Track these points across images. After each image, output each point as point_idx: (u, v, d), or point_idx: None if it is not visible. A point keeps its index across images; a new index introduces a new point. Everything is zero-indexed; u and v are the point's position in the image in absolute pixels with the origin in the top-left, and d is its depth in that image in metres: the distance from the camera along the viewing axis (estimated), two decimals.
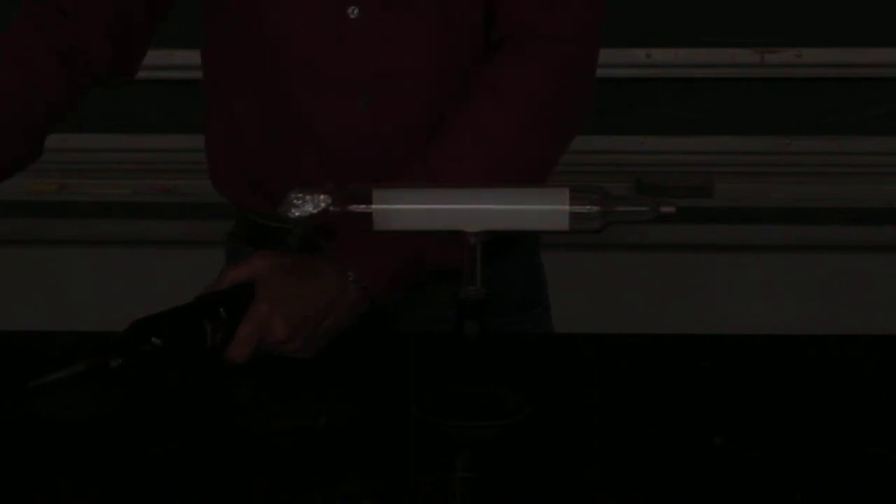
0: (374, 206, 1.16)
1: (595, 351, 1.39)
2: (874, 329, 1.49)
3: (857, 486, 1.05)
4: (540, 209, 1.15)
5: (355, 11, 1.35)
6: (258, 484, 1.04)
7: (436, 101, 1.39)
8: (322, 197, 1.17)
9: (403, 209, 1.16)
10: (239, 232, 1.53)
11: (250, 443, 1.13)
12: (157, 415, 1.19)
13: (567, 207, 1.14)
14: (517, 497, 1.03)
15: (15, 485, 1.04)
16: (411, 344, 1.33)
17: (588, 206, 1.14)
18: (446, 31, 1.38)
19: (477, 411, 1.16)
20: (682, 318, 2.35)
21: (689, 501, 1.03)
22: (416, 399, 1.18)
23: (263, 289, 1.25)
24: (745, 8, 2.35)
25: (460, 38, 1.39)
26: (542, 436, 1.14)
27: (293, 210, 1.17)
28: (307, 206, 1.17)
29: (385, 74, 1.37)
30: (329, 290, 1.28)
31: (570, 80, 1.40)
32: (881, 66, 2.35)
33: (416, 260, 1.33)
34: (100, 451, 1.11)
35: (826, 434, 1.15)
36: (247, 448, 1.12)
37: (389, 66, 1.37)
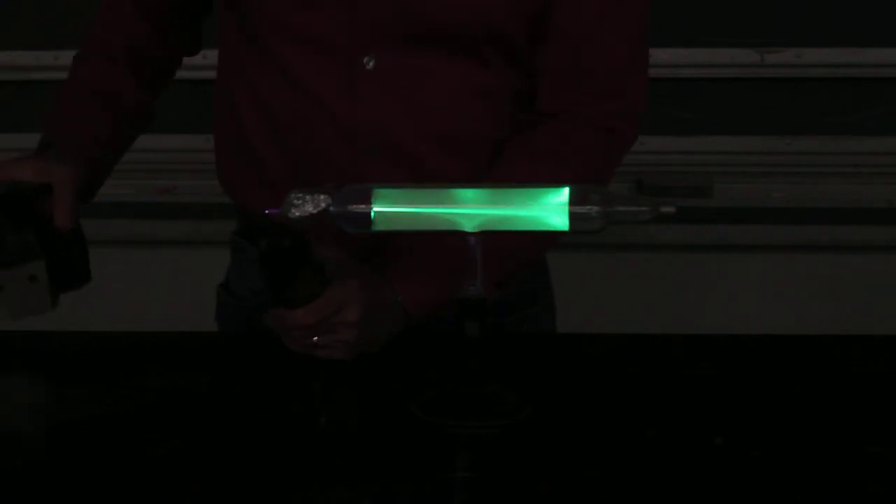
0: (374, 207, 1.16)
1: (595, 351, 1.39)
2: (874, 329, 1.49)
3: (857, 485, 1.05)
4: (540, 209, 1.15)
5: (371, 63, 1.36)
6: (258, 484, 1.04)
7: (444, 162, 1.39)
8: (322, 197, 1.17)
9: (403, 209, 1.16)
10: (243, 231, 1.54)
11: (250, 443, 1.13)
12: (157, 415, 1.19)
13: (567, 207, 1.14)
14: (517, 497, 1.03)
15: (15, 485, 1.04)
16: (411, 344, 1.33)
17: (588, 206, 1.14)
18: (462, 96, 1.38)
19: (477, 411, 1.16)
20: (682, 318, 2.35)
21: (689, 501, 1.03)
22: (416, 399, 1.18)
23: (350, 273, 1.28)
24: (745, 8, 2.35)
25: (479, 106, 1.39)
26: (542, 436, 1.14)
27: (293, 210, 1.17)
28: (307, 206, 1.17)
29: (393, 128, 1.37)
30: (391, 303, 1.31)
31: (621, 155, 1.43)
32: (881, 66, 2.36)
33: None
34: (100, 451, 1.11)
35: (826, 434, 1.15)
36: (247, 448, 1.12)
37: (398, 120, 1.37)
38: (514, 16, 1.35)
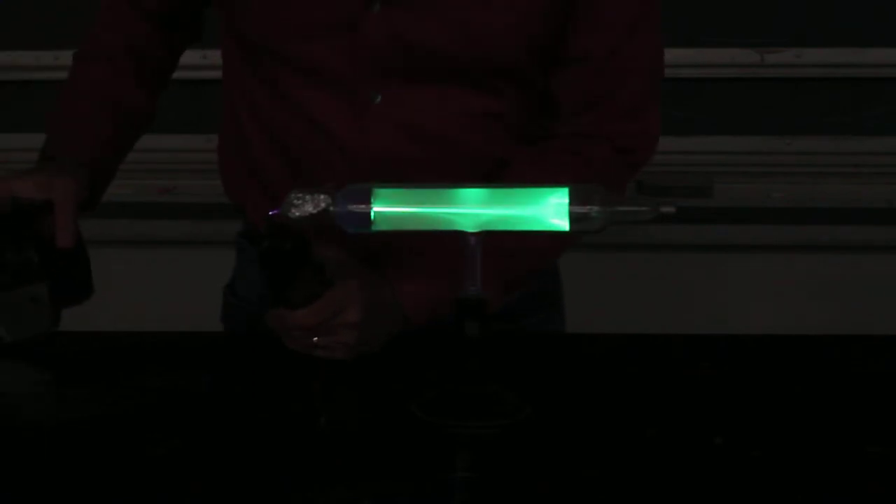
0: (374, 207, 1.16)
1: (595, 351, 1.39)
2: (874, 329, 1.49)
3: (857, 485, 1.05)
4: (540, 209, 1.15)
5: (378, 98, 1.35)
6: (258, 484, 1.04)
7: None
8: (322, 197, 1.17)
9: (403, 209, 1.16)
10: (245, 231, 1.54)
11: (250, 443, 1.13)
12: (157, 415, 1.19)
13: (567, 208, 1.14)
14: (517, 497, 1.03)
15: (15, 484, 1.04)
16: (411, 344, 1.33)
17: (588, 206, 1.14)
18: (470, 122, 1.37)
19: (477, 411, 1.16)
20: (683, 318, 2.35)
21: (689, 501, 1.03)
22: (416, 399, 1.18)
23: (350, 273, 1.28)
24: (745, 8, 2.35)
25: (488, 129, 1.38)
26: (542, 436, 1.14)
27: (293, 210, 1.17)
28: (307, 206, 1.17)
29: (399, 156, 1.36)
30: (391, 303, 1.31)
31: (633, 173, 1.43)
32: (881, 66, 2.36)
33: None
34: (100, 451, 1.11)
35: (826, 434, 1.15)
36: (247, 448, 1.12)
37: (404, 149, 1.36)
38: (521, 47, 1.33)
